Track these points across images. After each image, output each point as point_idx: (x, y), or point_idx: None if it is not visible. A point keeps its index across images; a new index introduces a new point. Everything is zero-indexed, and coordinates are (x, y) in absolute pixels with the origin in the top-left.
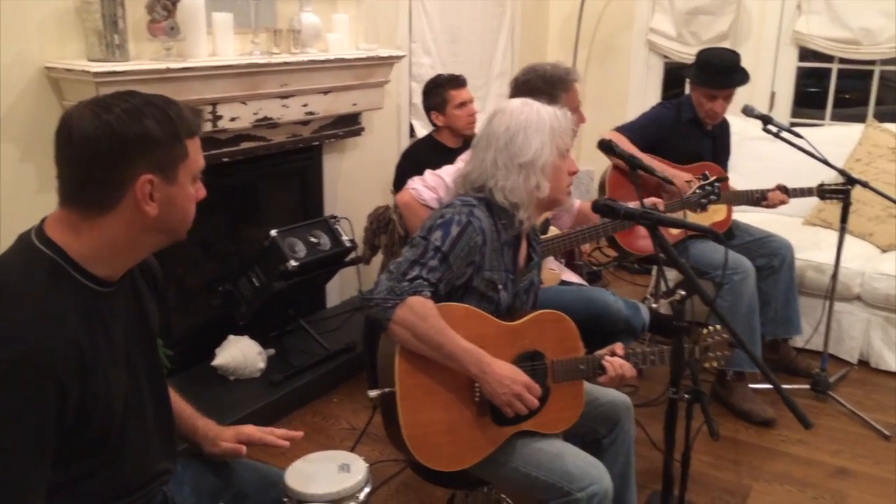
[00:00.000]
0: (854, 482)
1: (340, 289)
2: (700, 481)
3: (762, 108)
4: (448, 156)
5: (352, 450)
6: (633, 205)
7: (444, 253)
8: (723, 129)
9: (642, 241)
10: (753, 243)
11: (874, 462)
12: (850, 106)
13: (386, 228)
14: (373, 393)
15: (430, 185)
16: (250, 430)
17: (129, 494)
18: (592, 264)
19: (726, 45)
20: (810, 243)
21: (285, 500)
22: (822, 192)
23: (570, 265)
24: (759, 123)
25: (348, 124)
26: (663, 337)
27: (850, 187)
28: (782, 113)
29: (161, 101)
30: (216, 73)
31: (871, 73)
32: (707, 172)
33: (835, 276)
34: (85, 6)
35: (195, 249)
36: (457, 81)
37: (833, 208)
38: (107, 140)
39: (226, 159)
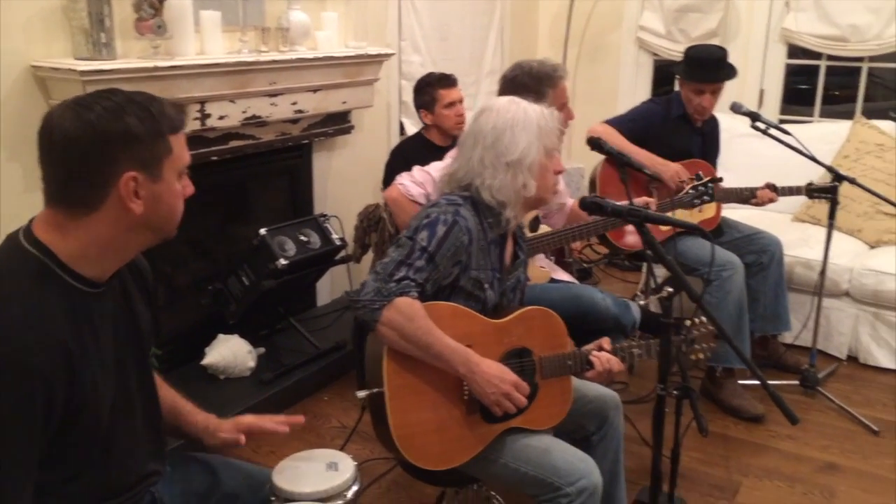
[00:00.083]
0: (843, 477)
1: (331, 287)
2: (690, 477)
3: (751, 106)
4: (437, 154)
5: (342, 448)
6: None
7: (431, 253)
8: (712, 127)
9: (632, 237)
10: (742, 240)
11: (863, 457)
12: (839, 103)
13: (376, 227)
14: (361, 394)
15: (418, 181)
16: (248, 418)
17: (117, 495)
18: (583, 261)
19: (715, 42)
20: (799, 240)
21: (273, 499)
22: (811, 191)
23: (560, 263)
24: (747, 120)
25: (338, 122)
26: (654, 335)
27: (837, 185)
28: (771, 110)
29: (143, 98)
30: (204, 71)
31: (859, 69)
32: (701, 173)
33: (823, 272)
34: (71, 5)
35: (184, 248)
36: (447, 81)
37: (822, 205)
38: (88, 139)
39: (214, 158)
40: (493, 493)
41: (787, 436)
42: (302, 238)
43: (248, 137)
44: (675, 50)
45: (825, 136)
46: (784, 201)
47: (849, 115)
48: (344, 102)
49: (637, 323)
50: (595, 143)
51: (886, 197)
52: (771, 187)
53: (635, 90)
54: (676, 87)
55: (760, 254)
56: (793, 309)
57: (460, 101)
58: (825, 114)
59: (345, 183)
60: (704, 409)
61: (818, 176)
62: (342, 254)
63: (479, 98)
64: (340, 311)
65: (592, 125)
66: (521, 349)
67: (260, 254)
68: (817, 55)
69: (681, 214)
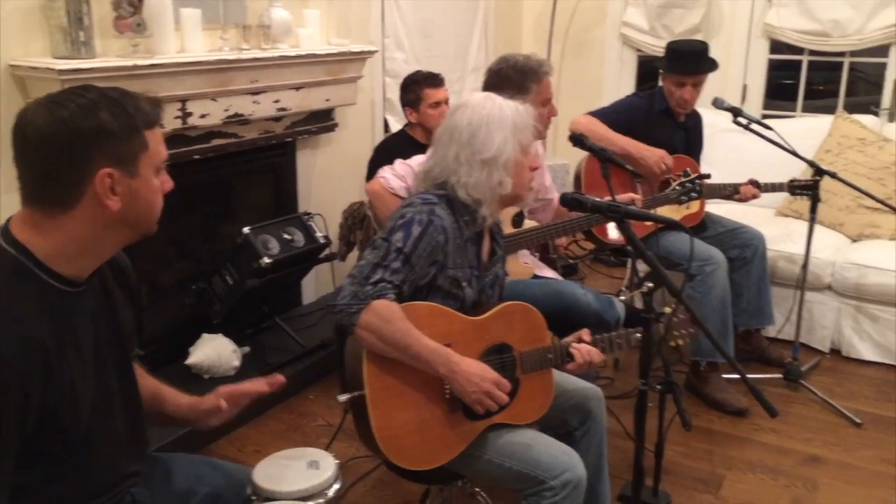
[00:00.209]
0: (825, 469)
1: (316, 286)
2: (674, 472)
3: (734, 101)
4: (421, 151)
5: (328, 446)
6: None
7: (407, 254)
8: (695, 122)
9: (615, 232)
10: (726, 234)
11: (845, 449)
12: (822, 97)
13: (361, 224)
14: (342, 397)
15: (399, 174)
16: (227, 386)
17: (96, 496)
18: (569, 257)
19: (698, 38)
20: (782, 234)
21: (254, 498)
22: (793, 187)
23: (545, 259)
24: (730, 116)
25: (321, 120)
26: None
27: (818, 180)
28: (754, 105)
29: (118, 93)
30: (185, 69)
31: (840, 64)
32: (688, 170)
33: (805, 266)
34: (49, 3)
35: (168, 248)
36: (434, 80)
37: (804, 200)
38: (61, 136)
39: (197, 156)
40: (477, 489)
41: (771, 429)
42: (286, 236)
43: (231, 136)
44: (658, 46)
45: (807, 130)
46: (767, 196)
47: (831, 110)
48: (327, 100)
49: (622, 319)
50: (577, 140)
51: (867, 191)
52: (754, 183)
53: (619, 86)
54: (661, 83)
55: (744, 248)
56: (776, 303)
57: (446, 101)
58: (808, 109)
59: (329, 181)
60: (689, 404)
61: (800, 170)
62: (326, 252)
63: (464, 95)
64: (326, 309)
65: (576, 116)
66: (501, 345)
67: (243, 253)
68: (799, 50)
69: (667, 210)
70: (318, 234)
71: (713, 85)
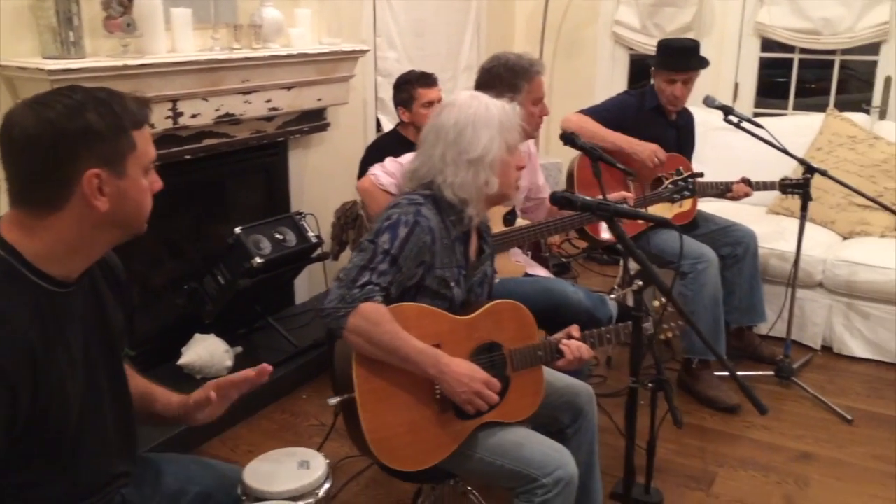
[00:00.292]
0: (817, 466)
1: (309, 285)
2: (666, 469)
3: (726, 99)
4: (412, 150)
5: (320, 446)
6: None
7: (394, 256)
8: (687, 121)
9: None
10: (718, 232)
11: (836, 446)
12: (814, 95)
13: (354, 223)
14: (332, 400)
15: (390, 171)
16: (216, 380)
17: (85, 497)
18: (562, 256)
19: (690, 36)
20: (774, 232)
21: (244, 498)
22: (784, 186)
23: (537, 258)
24: (721, 114)
25: (313, 119)
26: None
27: (809, 177)
28: (746, 103)
29: (105, 94)
30: (175, 69)
31: (832, 62)
32: (681, 168)
33: (796, 263)
34: (39, 3)
35: (159, 248)
36: (427, 80)
37: (796, 197)
38: (48, 137)
39: (188, 156)
40: (469, 487)
41: (763, 426)
42: (277, 236)
43: (223, 136)
44: (650, 44)
45: (799, 128)
46: (759, 194)
47: (823, 108)
48: (319, 100)
49: (614, 318)
50: (567, 138)
51: (858, 189)
52: (746, 182)
53: (612, 84)
54: (652, 81)
55: (735, 246)
56: (768, 300)
57: (439, 100)
58: (799, 106)
59: (322, 180)
60: (681, 401)
61: (792, 168)
62: (318, 251)
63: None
64: (314, 313)
65: (567, 115)
66: (491, 343)
67: (235, 252)
68: (791, 48)
69: (660, 208)
70: (311, 234)
71: (705, 83)
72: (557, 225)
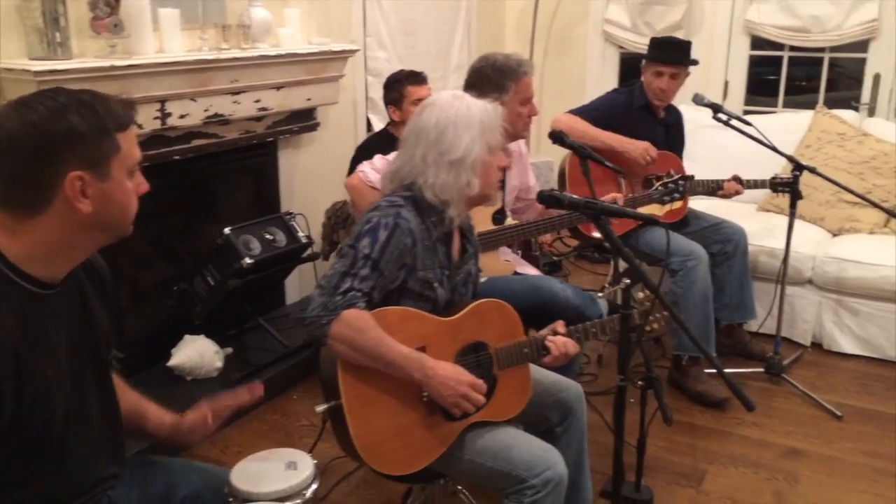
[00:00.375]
0: (806, 462)
1: (299, 286)
2: (656, 466)
3: (716, 97)
4: None
5: (312, 447)
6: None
7: (375, 260)
8: (676, 119)
9: None
10: (708, 230)
11: (825, 442)
12: (804, 93)
13: (344, 223)
14: (320, 408)
15: (378, 168)
16: (206, 405)
17: (72, 499)
18: (553, 254)
19: (680, 34)
20: (764, 229)
21: (231, 500)
22: (774, 184)
23: (527, 256)
24: (710, 112)
25: (303, 119)
26: None
27: (798, 174)
28: (736, 101)
29: (88, 96)
30: (163, 69)
31: (821, 60)
32: (672, 171)
33: (785, 260)
34: (25, 4)
35: (148, 249)
36: (416, 78)
37: (786, 195)
38: (31, 139)
39: (177, 157)
40: (459, 487)
41: (753, 423)
42: (267, 237)
43: (212, 136)
44: (640, 43)
45: (788, 126)
46: (749, 192)
47: (812, 105)
48: (308, 99)
49: (604, 316)
50: (557, 137)
51: (847, 186)
52: (737, 180)
53: (602, 83)
54: (642, 78)
55: (725, 243)
56: (758, 297)
57: None
58: (789, 104)
59: (312, 180)
60: (671, 399)
61: (781, 166)
62: (308, 252)
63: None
64: (297, 321)
65: (557, 115)
66: (476, 343)
67: (225, 253)
68: (780, 46)
69: (652, 207)
70: (301, 234)
71: (695, 81)
72: (546, 224)
